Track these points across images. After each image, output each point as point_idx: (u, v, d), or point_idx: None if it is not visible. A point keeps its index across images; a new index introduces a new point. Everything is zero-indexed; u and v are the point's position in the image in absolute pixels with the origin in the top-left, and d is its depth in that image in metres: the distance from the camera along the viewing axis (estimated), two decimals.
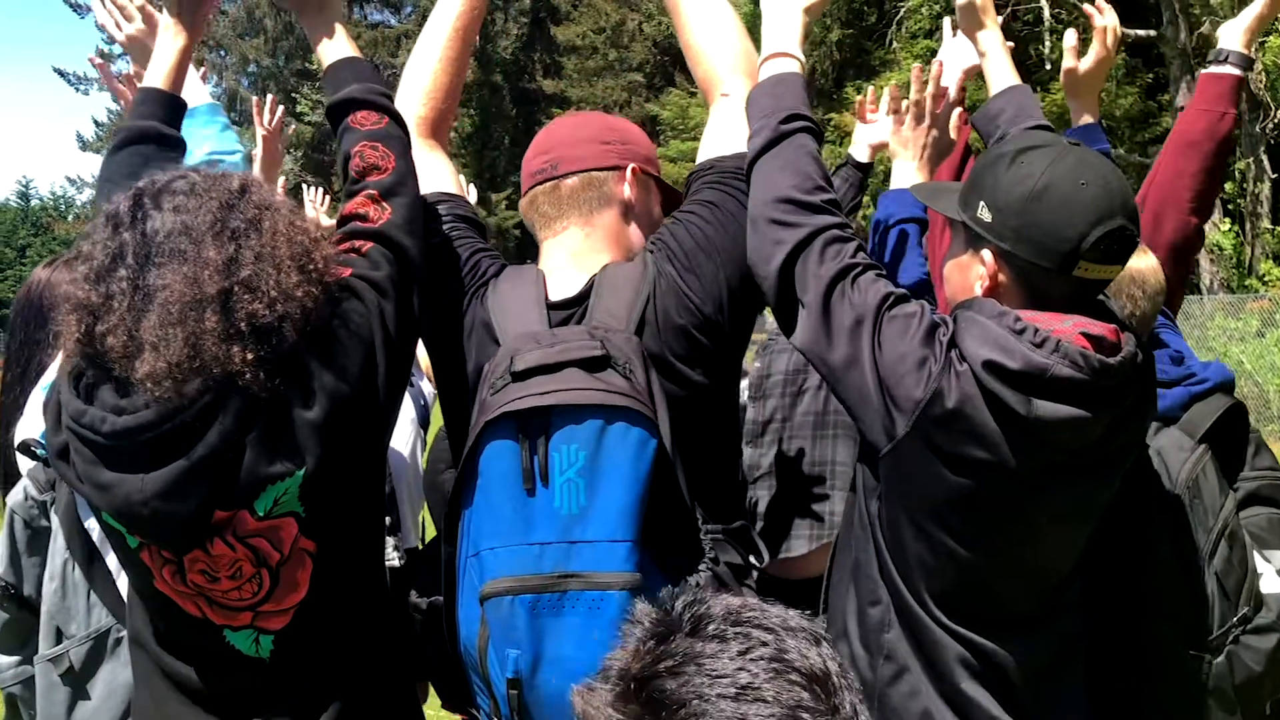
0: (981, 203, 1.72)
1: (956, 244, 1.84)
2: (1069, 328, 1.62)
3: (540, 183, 1.98)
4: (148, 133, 1.94)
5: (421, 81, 2.14)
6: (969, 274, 1.77)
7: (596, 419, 1.64)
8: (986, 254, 1.72)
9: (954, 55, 2.64)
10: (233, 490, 1.61)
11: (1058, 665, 1.77)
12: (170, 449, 1.57)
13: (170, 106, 1.99)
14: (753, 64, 2.01)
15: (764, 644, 1.06)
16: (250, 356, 1.57)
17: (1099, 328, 1.64)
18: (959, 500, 1.66)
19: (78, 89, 41.11)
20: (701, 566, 1.70)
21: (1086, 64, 2.54)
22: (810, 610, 1.14)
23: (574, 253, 1.93)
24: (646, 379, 1.70)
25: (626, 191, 1.96)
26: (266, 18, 39.58)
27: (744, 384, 3.71)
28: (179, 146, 1.97)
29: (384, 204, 1.84)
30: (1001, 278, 1.71)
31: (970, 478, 1.64)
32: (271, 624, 1.71)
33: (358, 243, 1.82)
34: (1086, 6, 2.59)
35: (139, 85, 2.01)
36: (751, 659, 1.04)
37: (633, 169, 1.97)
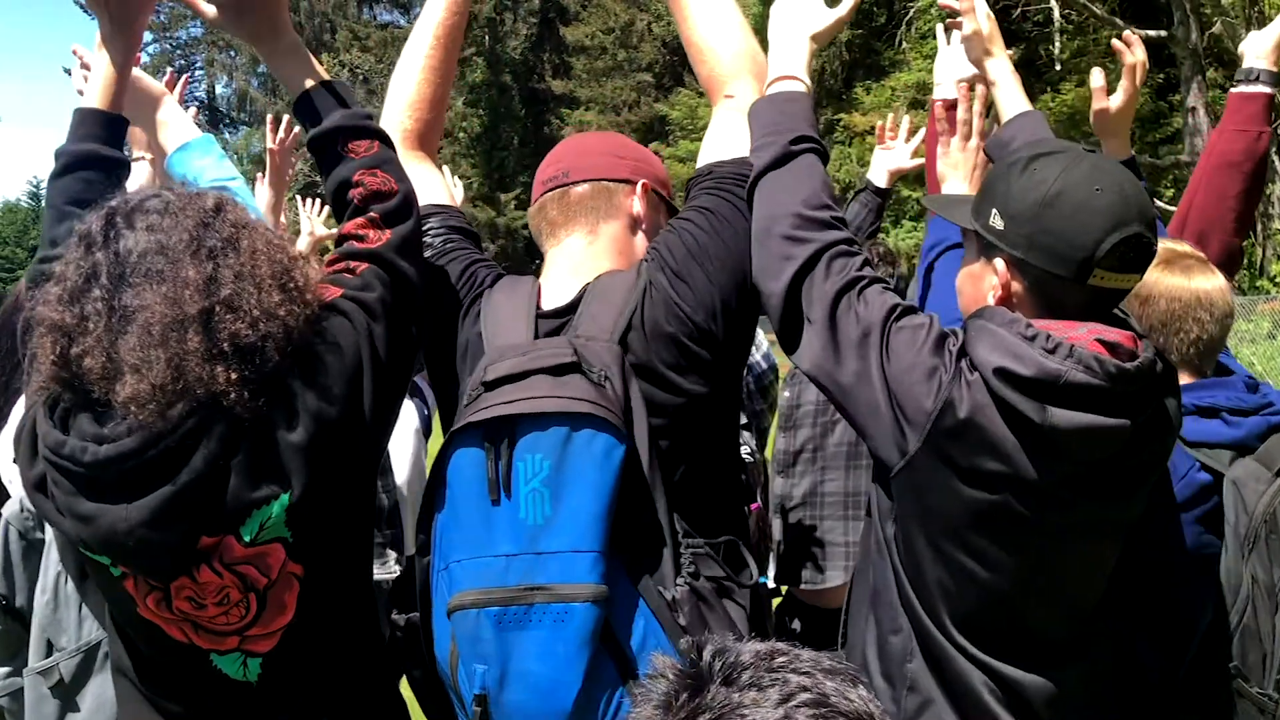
0: (994, 210, 1.67)
1: (969, 253, 1.79)
2: (1083, 334, 1.57)
3: (551, 190, 1.95)
4: (88, 156, 1.90)
5: (406, 94, 2.12)
6: (981, 284, 1.72)
7: (561, 427, 1.60)
8: (999, 263, 1.67)
9: (952, 63, 2.61)
10: (219, 515, 1.58)
11: (1091, 697, 1.70)
12: (154, 476, 1.54)
13: (109, 126, 1.94)
14: (758, 64, 1.97)
15: (804, 689, 1.01)
16: (234, 377, 1.54)
17: (1115, 334, 1.59)
18: (976, 516, 1.60)
19: None
20: (679, 581, 1.64)
21: (1116, 102, 2.49)
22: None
23: (574, 262, 1.90)
24: (624, 388, 1.66)
25: (636, 206, 1.93)
26: None
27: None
28: (121, 166, 1.94)
29: (383, 227, 1.81)
30: (1015, 287, 1.66)
31: (987, 491, 1.58)
32: (259, 647, 1.69)
33: (352, 263, 1.79)
34: (1116, 44, 2.54)
35: (81, 109, 1.96)
36: (794, 705, 0.99)
37: (643, 184, 1.95)
